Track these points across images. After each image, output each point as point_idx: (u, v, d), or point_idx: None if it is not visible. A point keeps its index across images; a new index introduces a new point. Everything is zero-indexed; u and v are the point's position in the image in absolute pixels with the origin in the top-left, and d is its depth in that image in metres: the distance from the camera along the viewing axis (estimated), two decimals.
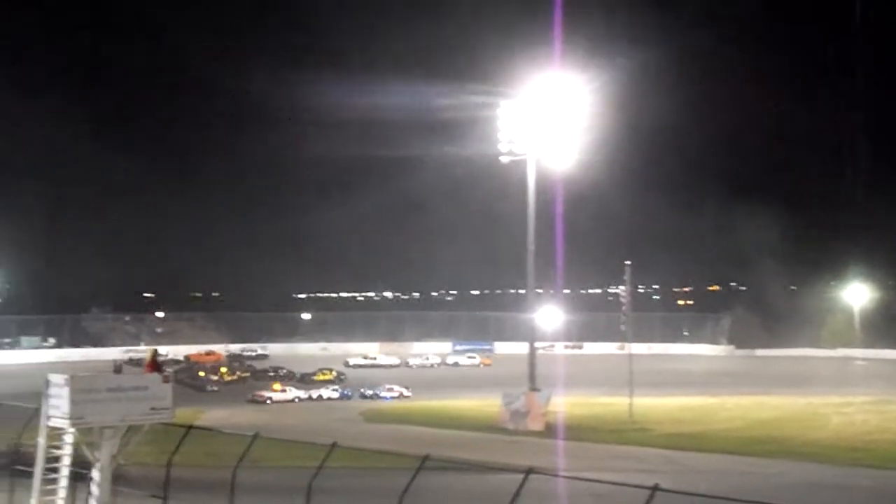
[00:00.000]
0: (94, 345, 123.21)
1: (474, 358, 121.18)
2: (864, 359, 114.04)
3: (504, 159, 75.76)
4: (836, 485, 45.52)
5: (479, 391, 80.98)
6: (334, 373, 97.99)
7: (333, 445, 33.65)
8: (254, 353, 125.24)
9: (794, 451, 55.06)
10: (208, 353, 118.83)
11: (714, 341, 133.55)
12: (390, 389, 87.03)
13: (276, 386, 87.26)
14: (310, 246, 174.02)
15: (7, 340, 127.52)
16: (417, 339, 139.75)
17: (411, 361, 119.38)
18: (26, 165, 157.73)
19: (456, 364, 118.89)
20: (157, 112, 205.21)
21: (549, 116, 74.12)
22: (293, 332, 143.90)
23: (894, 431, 63.82)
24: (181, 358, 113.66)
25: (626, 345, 79.74)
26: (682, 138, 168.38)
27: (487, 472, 42.85)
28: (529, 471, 32.57)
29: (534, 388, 71.24)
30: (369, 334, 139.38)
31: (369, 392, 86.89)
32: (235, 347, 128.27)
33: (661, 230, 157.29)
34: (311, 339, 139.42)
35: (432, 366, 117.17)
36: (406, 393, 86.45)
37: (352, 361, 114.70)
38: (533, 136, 74.32)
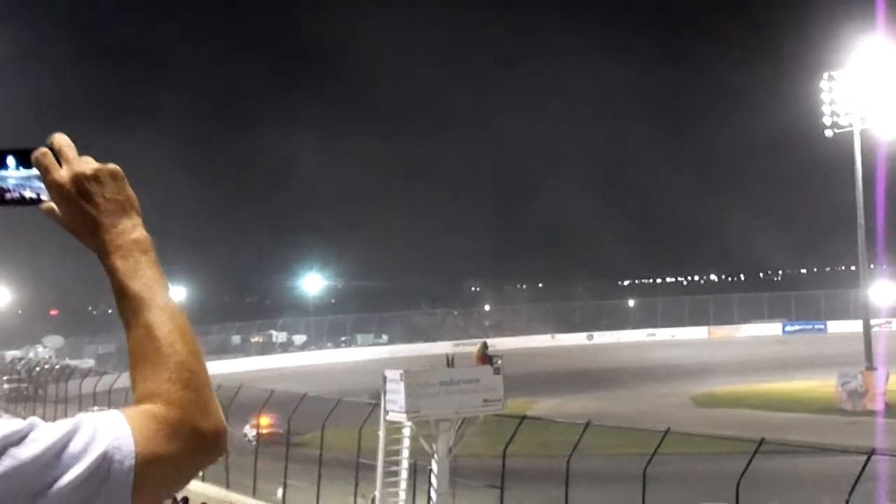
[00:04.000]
0: (425, 340, 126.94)
1: None
2: None
3: (828, 132, 73.97)
4: None
5: (813, 372, 78.81)
6: None
7: (667, 431, 33.71)
8: None
9: None
10: None
11: None
12: None
13: None
14: (632, 231, 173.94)
15: (344, 339, 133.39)
16: (746, 322, 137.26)
17: None
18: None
19: None
20: None
21: (875, 85, 71.75)
22: (620, 320, 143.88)
23: None
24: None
25: None
26: None
27: (825, 454, 41.87)
28: (872, 452, 31.76)
29: (871, 367, 68.95)
30: (696, 319, 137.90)
31: None
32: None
33: None
34: (636, 327, 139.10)
35: None
36: None
37: None
38: (859, 107, 72.19)
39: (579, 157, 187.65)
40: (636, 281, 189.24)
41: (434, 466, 29.65)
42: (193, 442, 2.30)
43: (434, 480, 29.52)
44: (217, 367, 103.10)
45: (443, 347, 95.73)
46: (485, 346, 31.86)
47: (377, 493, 29.82)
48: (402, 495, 29.40)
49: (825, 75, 74.37)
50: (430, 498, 29.52)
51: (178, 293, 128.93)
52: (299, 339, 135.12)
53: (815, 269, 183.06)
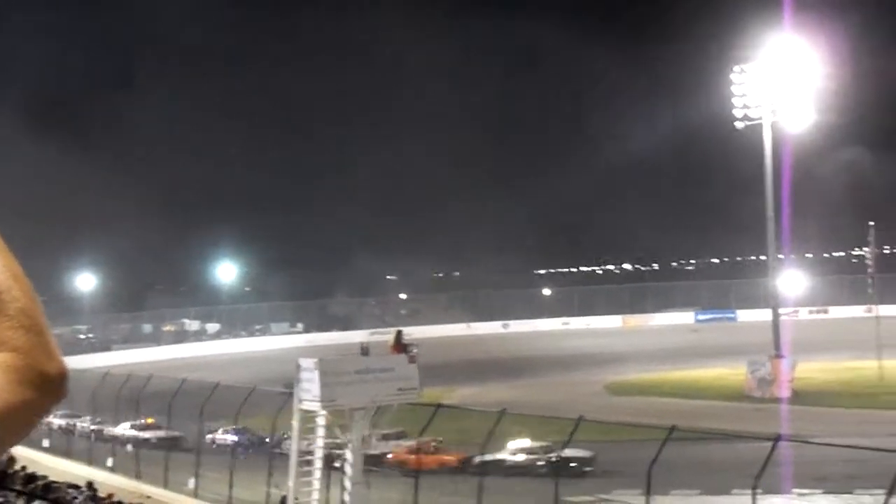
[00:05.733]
0: (341, 328, 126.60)
1: None
2: None
3: (739, 124, 75.03)
4: None
5: (723, 360, 79.99)
6: None
7: (580, 419, 34.05)
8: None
9: None
10: None
11: None
12: None
13: None
14: (547, 220, 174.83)
15: (258, 327, 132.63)
16: (659, 311, 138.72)
17: None
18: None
19: None
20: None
21: (786, 78, 72.91)
22: (534, 308, 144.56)
23: None
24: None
25: (874, 307, 77.73)
26: None
27: (735, 440, 42.58)
28: (778, 438, 32.40)
29: (779, 355, 70.17)
30: (611, 308, 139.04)
31: None
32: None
33: None
34: (552, 315, 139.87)
35: None
36: None
37: None
38: (769, 99, 73.30)
39: (492, 147, 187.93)
40: (552, 270, 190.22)
41: (348, 455, 29.68)
42: (41, 386, 2.32)
43: (347, 469, 29.54)
44: (128, 357, 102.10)
45: (359, 336, 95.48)
46: (400, 334, 31.92)
47: (291, 484, 29.76)
48: (317, 485, 29.35)
49: (736, 68, 75.40)
50: (343, 487, 29.53)
51: (88, 280, 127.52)
52: (213, 327, 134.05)
53: (727, 259, 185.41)
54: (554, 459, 39.08)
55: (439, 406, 35.69)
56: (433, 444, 41.34)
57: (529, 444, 42.98)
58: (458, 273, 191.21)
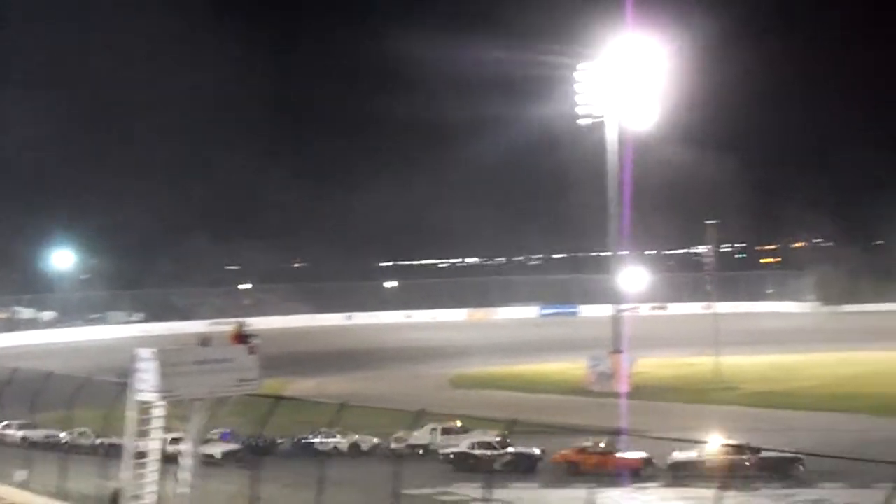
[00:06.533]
0: (181, 318, 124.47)
1: None
2: None
3: (583, 121, 75.82)
4: None
5: (565, 354, 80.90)
6: None
7: (421, 412, 33.92)
8: None
9: (883, 407, 54.43)
10: None
11: (799, 298, 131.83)
12: None
13: None
14: (392, 213, 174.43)
15: (95, 316, 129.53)
16: (503, 305, 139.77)
17: None
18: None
19: None
20: None
21: (628, 77, 73.86)
22: (379, 301, 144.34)
23: None
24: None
25: (712, 304, 79.44)
26: (762, 97, 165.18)
27: (575, 434, 42.96)
28: (617, 432, 32.75)
29: (619, 350, 71.17)
30: (455, 301, 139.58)
31: None
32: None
33: (743, 188, 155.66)
34: (396, 308, 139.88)
35: None
36: None
37: None
38: (612, 98, 74.18)
39: (338, 141, 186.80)
40: (396, 263, 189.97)
41: (184, 447, 29.00)
42: None
43: (184, 461, 28.85)
44: None
45: (199, 326, 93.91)
46: (241, 325, 31.27)
47: (123, 476, 28.93)
48: (152, 477, 28.57)
49: (580, 66, 76.06)
50: (178, 479, 28.83)
51: None
52: (48, 315, 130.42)
53: (570, 255, 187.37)
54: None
55: (280, 398, 35.14)
56: (600, 444, 41.07)
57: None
58: (301, 264, 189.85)
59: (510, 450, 41.33)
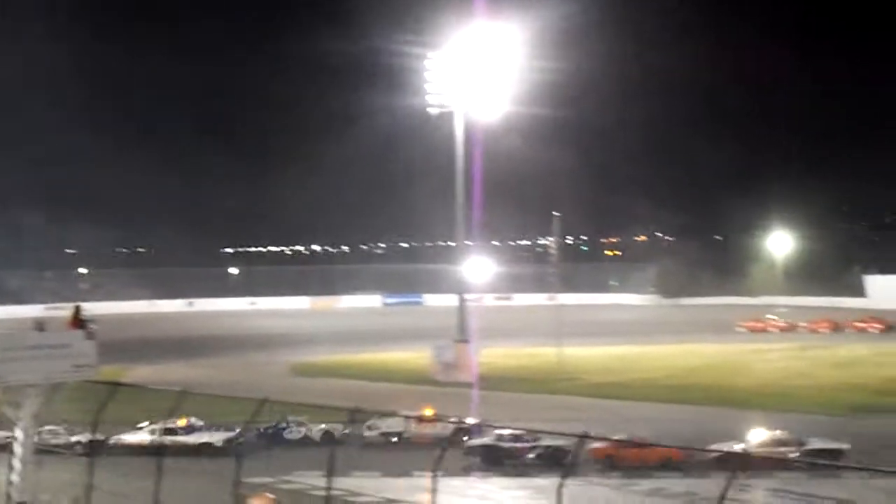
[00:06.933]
0: (14, 302, 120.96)
1: None
2: (786, 306, 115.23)
3: (432, 111, 75.76)
4: None
5: (410, 343, 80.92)
6: None
7: (263, 400, 33.30)
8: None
9: (719, 398, 55.64)
10: None
11: (641, 291, 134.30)
12: None
13: None
14: (237, 200, 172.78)
15: None
16: (348, 293, 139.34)
17: None
18: None
19: None
20: None
21: (477, 68, 74.01)
22: (221, 287, 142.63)
23: (815, 376, 64.81)
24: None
25: (555, 296, 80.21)
26: (609, 91, 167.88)
27: (421, 422, 42.89)
28: (460, 422, 32.71)
29: (464, 340, 71.42)
30: (299, 289, 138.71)
31: None
32: None
33: (588, 182, 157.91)
34: (239, 295, 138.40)
35: None
36: None
37: None
38: (460, 88, 74.25)
39: (181, 128, 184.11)
40: (239, 249, 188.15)
41: (18, 434, 28.00)
42: None
43: (17, 448, 27.84)
44: None
45: (33, 311, 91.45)
46: (78, 309, 30.29)
47: None
48: None
49: (430, 55, 76.00)
50: (11, 468, 27.82)
51: None
52: None
53: (416, 245, 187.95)
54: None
55: (117, 384, 34.22)
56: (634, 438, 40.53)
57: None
58: (142, 249, 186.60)
59: (542, 442, 41.13)
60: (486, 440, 41.91)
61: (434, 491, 25.74)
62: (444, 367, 69.04)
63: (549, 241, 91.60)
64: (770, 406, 50.48)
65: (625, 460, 39.90)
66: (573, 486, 28.13)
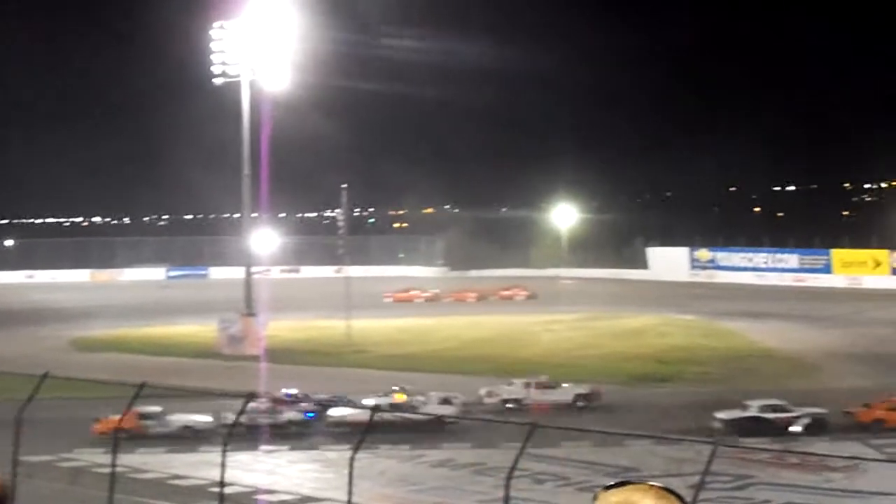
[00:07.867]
0: None
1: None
2: (570, 278, 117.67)
3: (217, 81, 74.64)
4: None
5: (195, 317, 79.76)
6: None
7: (45, 376, 32.14)
8: None
9: (506, 369, 56.42)
10: None
11: (429, 263, 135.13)
12: None
13: None
14: (11, 169, 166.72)
15: None
16: (130, 266, 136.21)
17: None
18: None
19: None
20: None
21: (263, 37, 73.14)
22: None
23: (598, 347, 66.68)
24: None
25: (343, 268, 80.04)
26: (401, 59, 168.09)
27: (204, 398, 42.34)
28: (250, 396, 32.24)
29: (250, 313, 70.76)
30: (78, 261, 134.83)
31: None
32: None
33: (377, 154, 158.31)
34: (15, 268, 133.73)
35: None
36: None
37: None
38: (246, 58, 73.32)
39: None
40: (14, 221, 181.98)
41: None
42: None
43: None
44: None
45: None
46: None
47: None
48: None
49: (217, 24, 74.82)
50: None
51: None
52: None
53: (201, 216, 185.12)
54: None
55: None
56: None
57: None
58: None
59: (806, 410, 41.38)
60: (747, 413, 41.46)
61: (223, 466, 25.34)
62: (230, 340, 68.24)
63: (336, 213, 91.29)
64: (557, 375, 51.42)
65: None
66: (363, 458, 28.12)
